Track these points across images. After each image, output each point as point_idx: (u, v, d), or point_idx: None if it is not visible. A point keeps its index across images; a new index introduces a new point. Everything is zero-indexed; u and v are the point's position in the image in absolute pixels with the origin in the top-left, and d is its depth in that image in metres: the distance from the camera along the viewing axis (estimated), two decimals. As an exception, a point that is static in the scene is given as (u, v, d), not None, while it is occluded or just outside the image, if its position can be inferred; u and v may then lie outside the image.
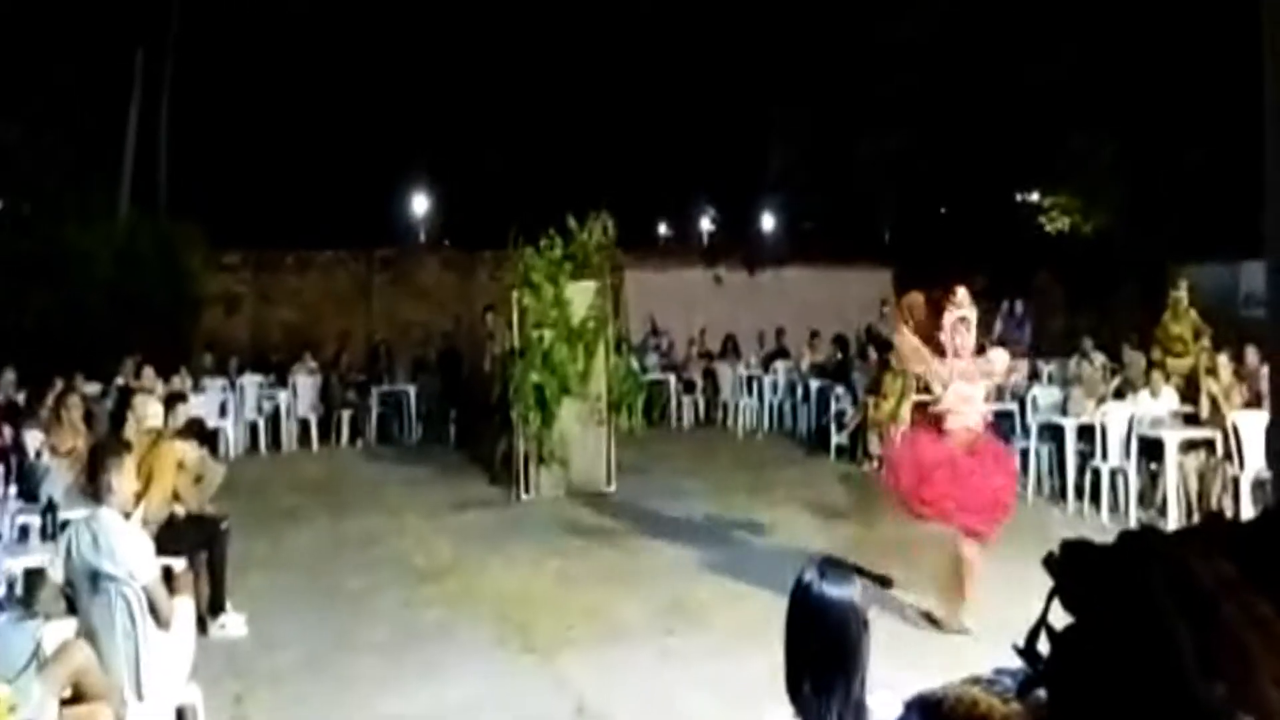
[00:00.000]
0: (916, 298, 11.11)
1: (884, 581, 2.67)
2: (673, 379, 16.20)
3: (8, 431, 8.72)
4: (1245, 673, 0.99)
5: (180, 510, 6.89)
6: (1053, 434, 10.43)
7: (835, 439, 13.11)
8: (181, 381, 12.32)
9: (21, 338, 12.84)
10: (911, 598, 6.72)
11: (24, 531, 6.82)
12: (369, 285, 19.01)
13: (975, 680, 1.68)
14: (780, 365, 15.89)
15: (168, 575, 5.19)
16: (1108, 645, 1.05)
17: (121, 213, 17.04)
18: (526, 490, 10.88)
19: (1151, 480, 9.48)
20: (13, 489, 7.30)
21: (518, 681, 5.95)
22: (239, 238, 18.44)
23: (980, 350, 6.99)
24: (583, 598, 7.34)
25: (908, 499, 6.76)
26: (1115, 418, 9.65)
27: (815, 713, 2.39)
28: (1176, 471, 9.08)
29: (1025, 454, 10.27)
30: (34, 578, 5.61)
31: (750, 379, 15.96)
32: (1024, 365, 11.50)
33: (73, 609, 4.97)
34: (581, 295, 11.16)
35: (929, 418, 7.02)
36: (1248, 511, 8.44)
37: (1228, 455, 8.88)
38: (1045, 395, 11.31)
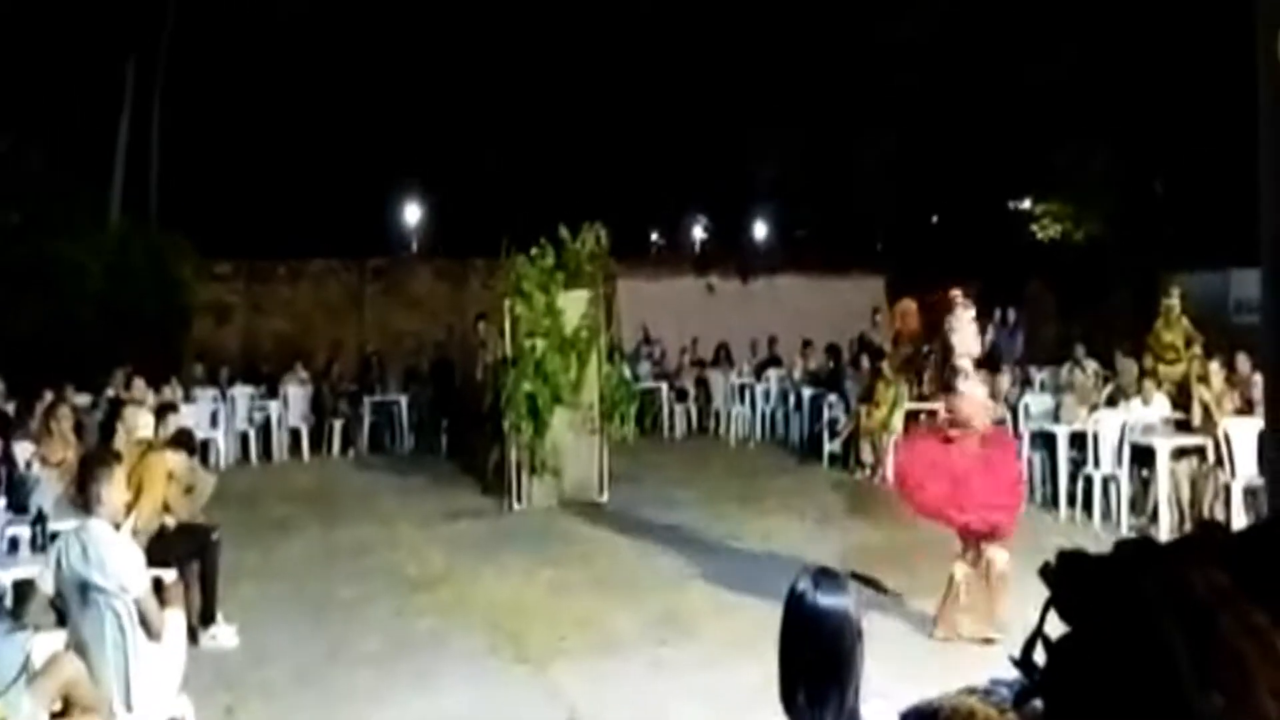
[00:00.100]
0: (909, 305, 11.17)
1: (881, 588, 2.67)
2: (665, 388, 16.19)
3: (-2, 443, 8.68)
4: (1242, 683, 0.98)
5: (171, 521, 6.87)
6: (1045, 441, 10.44)
7: (828, 447, 13.11)
8: (172, 392, 12.31)
9: (11, 348, 12.77)
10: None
11: (14, 543, 6.77)
12: (361, 295, 18.99)
13: (971, 690, 1.67)
14: (773, 374, 15.88)
15: (158, 586, 5.17)
16: (1104, 656, 1.04)
17: (112, 223, 17.00)
18: (519, 500, 10.86)
19: (1143, 487, 9.49)
20: (2, 500, 7.26)
21: (510, 692, 5.94)
22: (230, 248, 18.42)
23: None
24: (575, 607, 7.33)
25: (911, 499, 6.76)
26: (1107, 425, 9.67)
27: (809, 723, 2.38)
28: (1168, 479, 9.09)
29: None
30: (24, 589, 5.57)
31: (743, 387, 15.96)
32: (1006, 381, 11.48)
33: (62, 621, 4.95)
34: (574, 304, 11.16)
35: (939, 424, 6.97)
36: (1239, 518, 8.46)
37: (1219, 462, 8.89)
38: (1037, 403, 11.33)
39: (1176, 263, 15.86)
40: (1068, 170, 19.63)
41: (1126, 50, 17.52)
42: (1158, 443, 9.22)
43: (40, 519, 6.24)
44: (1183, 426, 9.65)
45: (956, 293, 6.96)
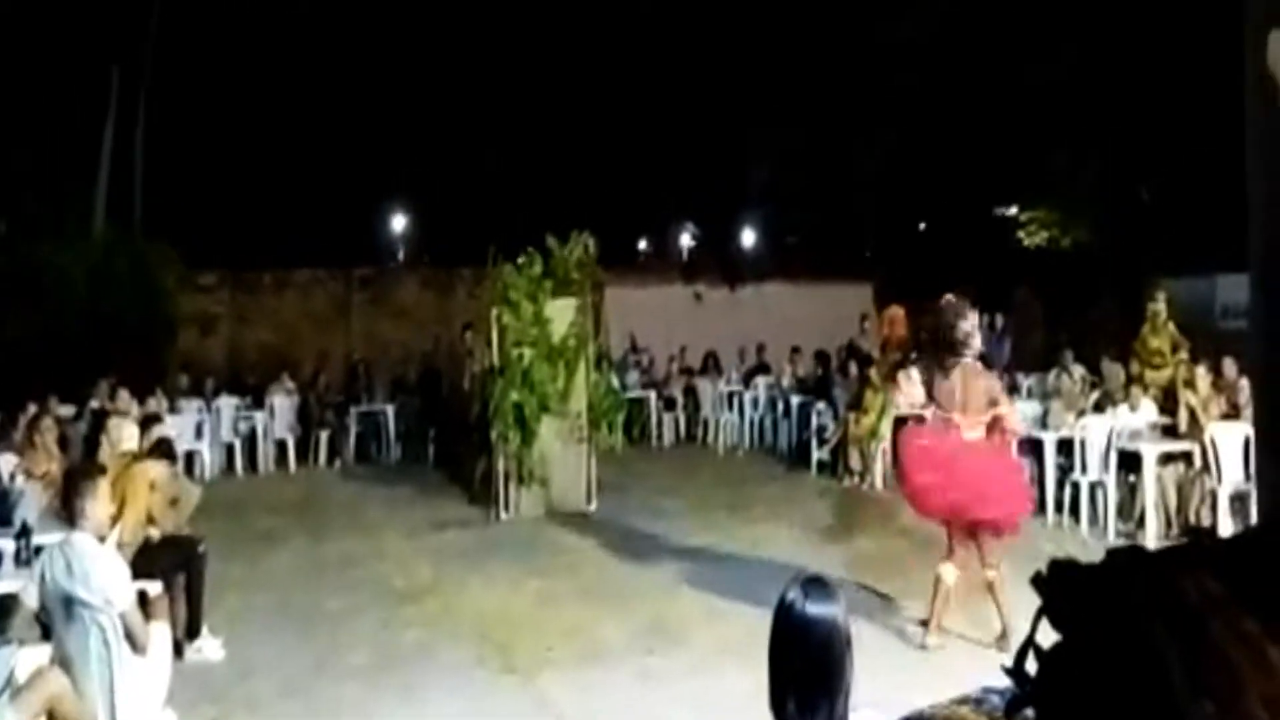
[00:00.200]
0: (897, 311, 11.19)
1: (877, 594, 2.67)
2: (653, 396, 16.19)
3: (-19, 455, 8.62)
4: (1234, 692, 0.97)
5: (156, 533, 6.83)
6: (1032, 448, 10.45)
7: (816, 455, 13.11)
8: (157, 403, 12.23)
9: (-6, 358, 12.73)
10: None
11: (-3, 557, 6.75)
12: (347, 304, 18.94)
13: (964, 700, 1.66)
14: (761, 381, 15.90)
15: (143, 599, 5.14)
16: (1096, 663, 1.04)
17: (96, 232, 16.90)
18: (506, 509, 10.83)
19: (1130, 493, 9.51)
20: (-15, 513, 7.21)
21: (498, 702, 5.91)
22: (215, 258, 18.34)
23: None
24: (563, 617, 7.30)
25: (913, 495, 6.74)
26: (1094, 431, 9.70)
27: (799, 732, 2.37)
28: (1155, 484, 9.12)
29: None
30: (8, 604, 5.53)
31: (731, 395, 15.97)
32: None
33: (47, 635, 4.92)
34: (561, 313, 11.13)
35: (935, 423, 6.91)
36: (1226, 523, 8.50)
37: (1206, 467, 8.92)
38: (1024, 409, 11.33)
39: (1162, 268, 15.94)
40: (1054, 177, 19.72)
41: (1112, 58, 17.61)
42: (1144, 448, 9.24)
43: (24, 532, 6.20)
44: (1169, 432, 9.68)
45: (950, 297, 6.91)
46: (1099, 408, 10.56)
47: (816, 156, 22.27)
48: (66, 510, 4.93)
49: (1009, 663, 1.22)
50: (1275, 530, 1.58)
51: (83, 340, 14.07)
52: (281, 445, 14.60)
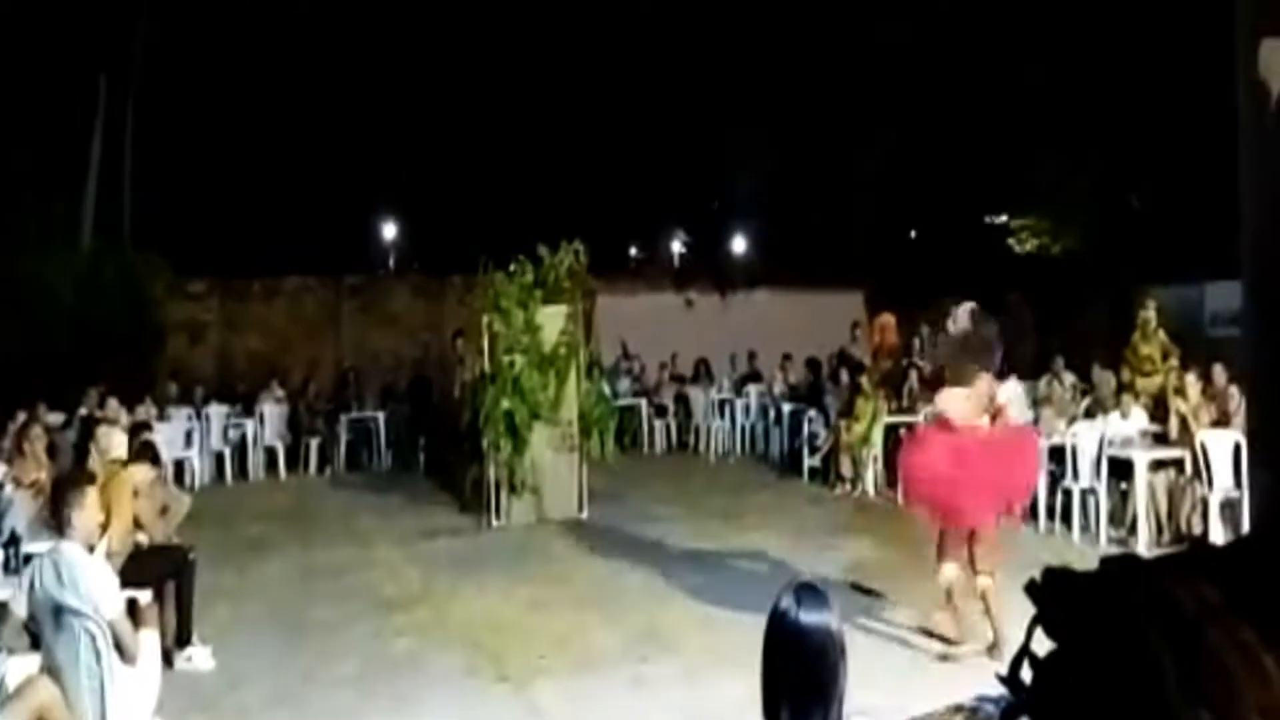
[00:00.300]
0: (888, 319, 11.19)
1: (875, 596, 2.67)
2: (645, 404, 16.19)
3: (-31, 464, 8.58)
4: (1230, 700, 0.97)
5: (144, 538, 6.80)
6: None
7: (808, 462, 13.12)
8: (146, 411, 12.20)
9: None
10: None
11: (-14, 566, 6.71)
12: (337, 312, 18.89)
13: (958, 708, 1.66)
14: (753, 389, 15.90)
15: (132, 608, 5.11)
16: (1091, 672, 1.03)
17: (85, 241, 16.85)
18: (498, 517, 10.81)
19: (1122, 500, 9.53)
20: (-25, 523, 7.18)
21: (490, 711, 5.89)
22: (204, 266, 18.28)
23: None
24: (555, 625, 7.29)
25: (913, 493, 6.72)
26: (1085, 438, 9.72)
27: (792, 741, 2.37)
28: (1146, 491, 9.13)
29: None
30: (-4, 612, 5.51)
31: (722, 403, 15.96)
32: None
33: (36, 644, 4.89)
34: (552, 320, 11.13)
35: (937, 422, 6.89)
36: (1216, 530, 8.51)
37: (1196, 474, 8.94)
38: (1016, 416, 11.35)
39: (1152, 276, 15.99)
40: (1045, 185, 19.76)
41: (1102, 65, 17.67)
42: (1135, 455, 9.26)
43: (13, 541, 6.17)
44: (1160, 439, 9.71)
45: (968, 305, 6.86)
46: (1090, 415, 10.58)
47: (807, 164, 22.30)
48: (55, 519, 4.91)
49: (1002, 670, 1.21)
50: (1271, 538, 1.58)
51: (72, 349, 14.03)
52: (271, 453, 14.55)
